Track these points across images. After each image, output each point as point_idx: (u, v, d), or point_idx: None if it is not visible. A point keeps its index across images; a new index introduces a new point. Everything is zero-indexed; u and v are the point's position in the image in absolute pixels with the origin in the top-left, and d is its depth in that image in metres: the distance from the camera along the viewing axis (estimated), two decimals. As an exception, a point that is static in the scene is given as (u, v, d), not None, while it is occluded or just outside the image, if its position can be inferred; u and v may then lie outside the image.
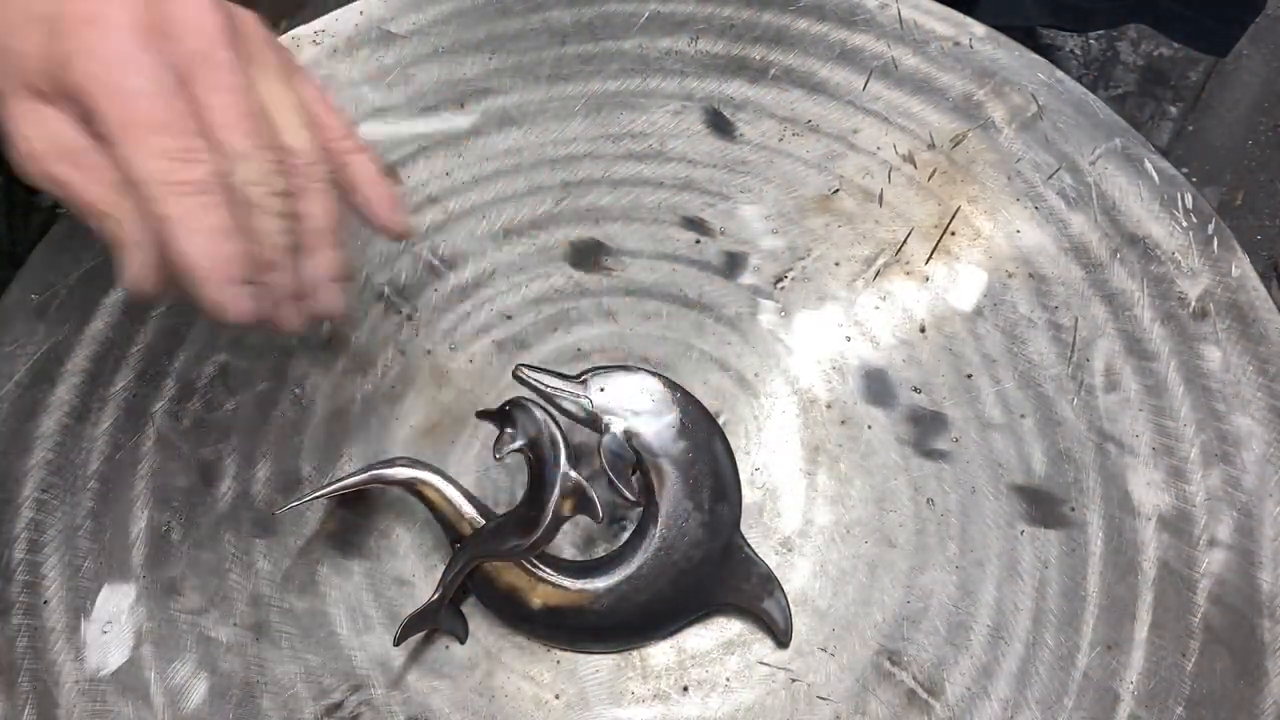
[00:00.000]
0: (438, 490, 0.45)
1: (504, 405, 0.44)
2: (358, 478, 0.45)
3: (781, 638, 0.44)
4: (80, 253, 0.53)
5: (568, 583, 0.43)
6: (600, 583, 0.43)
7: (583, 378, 0.45)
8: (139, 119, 0.32)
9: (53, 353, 0.51)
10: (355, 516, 0.47)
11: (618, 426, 0.44)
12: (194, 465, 0.48)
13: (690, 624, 0.45)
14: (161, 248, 0.33)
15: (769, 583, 0.44)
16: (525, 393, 0.45)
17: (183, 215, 0.32)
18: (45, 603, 0.46)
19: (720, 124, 0.57)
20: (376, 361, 0.51)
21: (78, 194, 0.34)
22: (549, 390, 0.44)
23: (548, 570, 0.43)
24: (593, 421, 0.44)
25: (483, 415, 0.45)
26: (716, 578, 0.44)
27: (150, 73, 0.32)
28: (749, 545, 0.45)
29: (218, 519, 0.47)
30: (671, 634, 0.45)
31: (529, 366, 0.45)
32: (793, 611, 0.45)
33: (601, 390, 0.44)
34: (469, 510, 0.45)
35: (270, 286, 0.35)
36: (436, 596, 0.43)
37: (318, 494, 0.45)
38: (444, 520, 0.45)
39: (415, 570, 0.46)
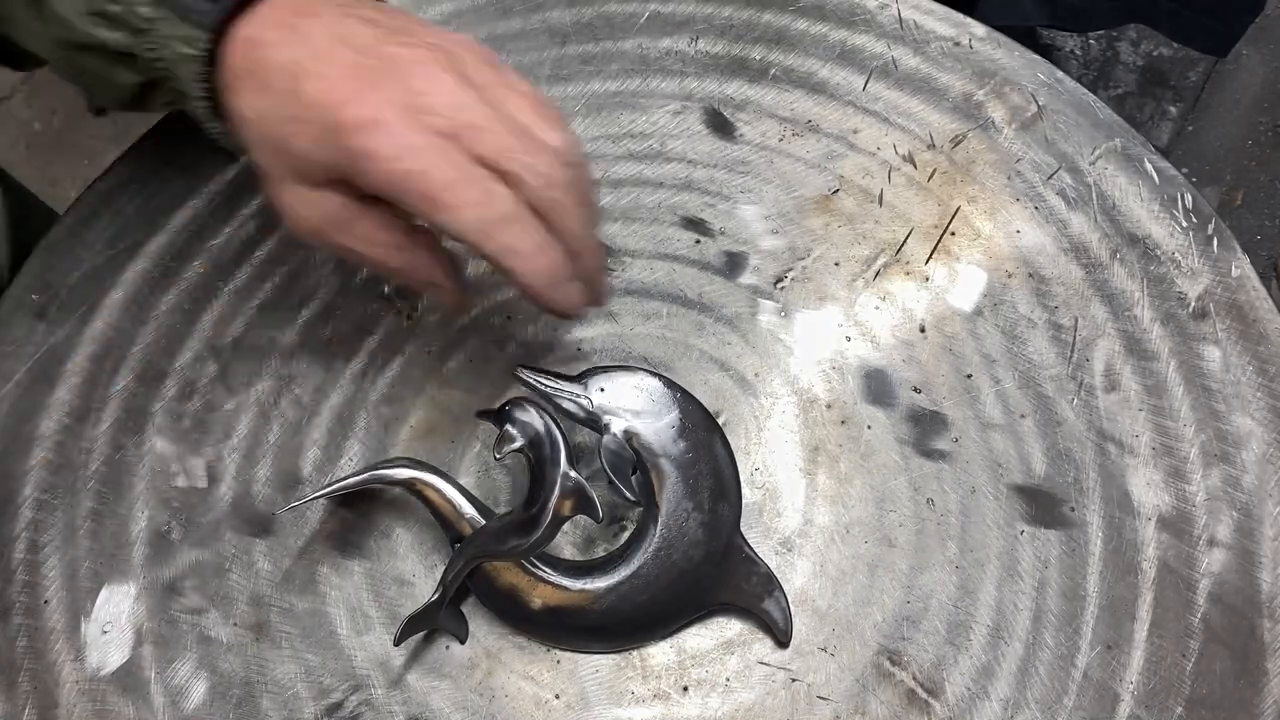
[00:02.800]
0: (437, 490, 0.45)
1: (503, 405, 0.44)
2: (358, 478, 0.45)
3: (781, 638, 0.44)
4: (80, 253, 0.53)
5: (568, 583, 0.43)
6: (600, 583, 0.43)
7: (582, 378, 0.45)
8: (442, 193, 0.37)
9: (53, 353, 0.51)
10: (355, 516, 0.47)
11: (617, 426, 0.44)
12: (194, 465, 0.48)
13: (690, 624, 0.45)
14: (506, 271, 0.39)
15: (769, 583, 0.44)
16: (525, 393, 0.45)
17: (506, 248, 0.38)
18: (45, 603, 0.46)
19: (720, 124, 0.57)
20: (376, 361, 0.51)
21: (362, 256, 0.41)
22: (549, 390, 0.44)
23: (548, 570, 0.43)
24: (593, 421, 0.44)
25: (482, 415, 0.45)
26: (717, 578, 0.44)
27: (431, 153, 0.37)
28: (749, 545, 0.45)
29: (218, 519, 0.47)
30: (671, 634, 0.45)
31: (528, 367, 0.45)
32: (793, 612, 0.45)
33: (601, 390, 0.44)
34: (469, 510, 0.45)
35: (590, 271, 0.41)
36: (436, 596, 0.43)
37: (318, 494, 0.45)
38: (444, 520, 0.45)
39: (415, 570, 0.46)
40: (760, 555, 0.45)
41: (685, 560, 0.43)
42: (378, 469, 0.45)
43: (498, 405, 0.44)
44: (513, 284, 0.40)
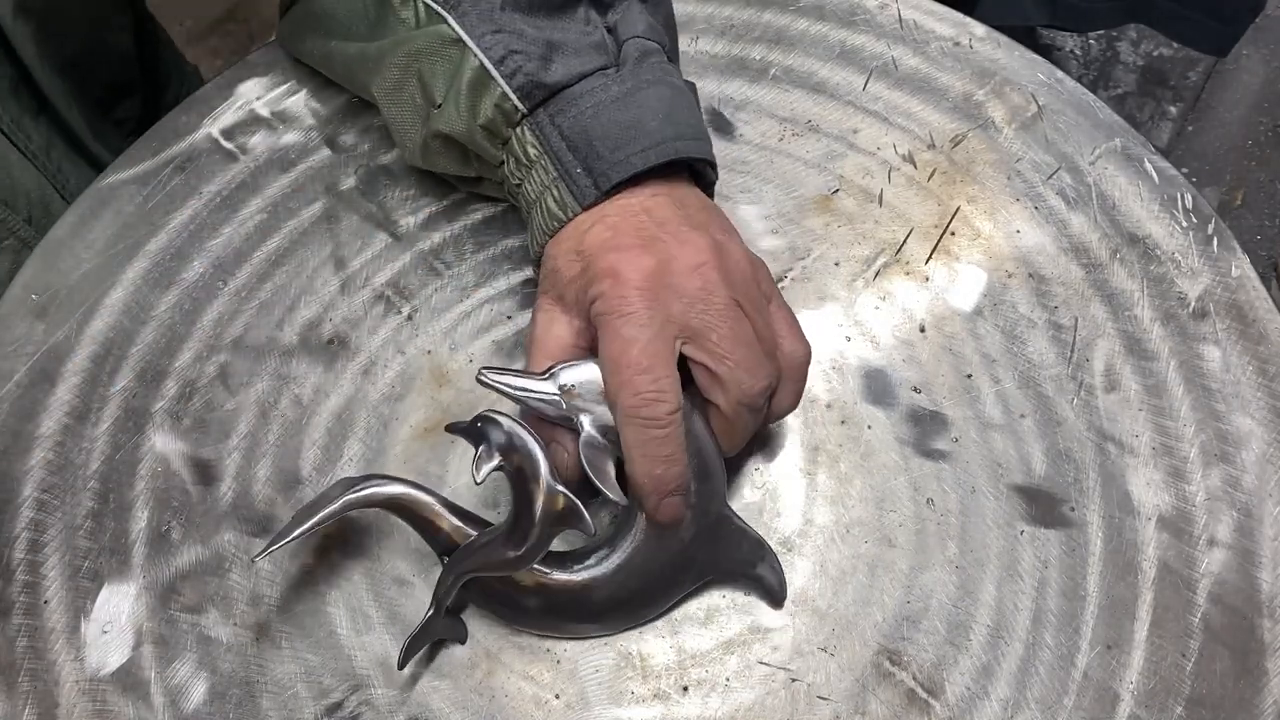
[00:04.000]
0: (418, 504, 0.43)
1: (474, 420, 0.42)
2: (331, 508, 0.42)
3: (776, 600, 0.44)
4: (80, 253, 0.53)
5: (562, 576, 0.43)
6: (594, 572, 0.43)
7: (550, 373, 0.43)
8: (629, 361, 0.40)
9: (53, 353, 0.51)
10: (355, 516, 0.47)
11: (590, 424, 0.42)
12: (194, 465, 0.48)
13: (687, 598, 0.45)
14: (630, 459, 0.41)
15: (760, 548, 0.44)
16: (495, 399, 0.44)
17: (641, 443, 0.40)
18: (45, 603, 0.46)
19: (720, 124, 0.57)
20: (376, 361, 0.51)
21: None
22: (516, 394, 0.42)
23: (540, 567, 0.43)
24: (566, 420, 0.43)
25: (452, 429, 0.42)
26: (710, 552, 0.44)
27: (645, 322, 0.41)
28: (738, 516, 0.45)
29: (218, 519, 0.47)
30: (669, 611, 0.45)
31: (492, 369, 0.42)
32: (793, 611, 0.45)
33: (569, 387, 0.42)
34: (453, 521, 0.43)
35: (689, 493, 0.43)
36: (431, 613, 0.42)
37: (293, 536, 0.42)
38: (428, 533, 0.44)
39: (415, 570, 0.46)
40: (748, 523, 0.45)
41: (677, 542, 0.43)
42: (351, 493, 0.43)
43: (469, 420, 0.42)
44: (626, 466, 0.42)
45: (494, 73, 0.45)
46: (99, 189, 0.55)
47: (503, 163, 0.48)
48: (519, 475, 0.41)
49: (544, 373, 0.43)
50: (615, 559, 0.43)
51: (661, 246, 0.42)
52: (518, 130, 0.46)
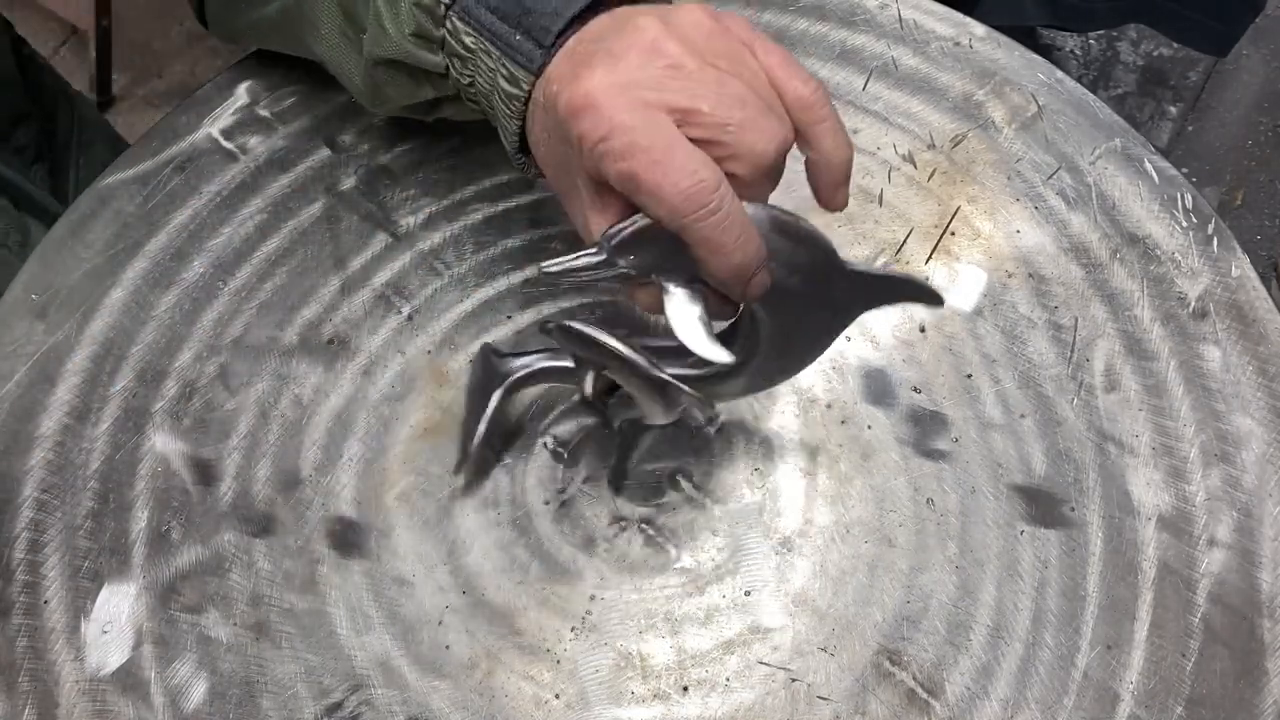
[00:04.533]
0: (562, 373, 0.45)
1: (543, 331, 0.40)
2: (496, 396, 0.44)
3: (934, 299, 0.42)
4: (80, 253, 0.53)
5: (712, 388, 0.43)
6: (733, 376, 0.42)
7: (605, 243, 0.39)
8: (647, 171, 0.36)
9: (53, 353, 0.51)
10: (355, 516, 0.47)
11: (678, 283, 0.39)
12: (194, 465, 0.48)
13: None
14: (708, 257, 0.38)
15: (887, 280, 0.43)
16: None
17: (708, 239, 0.37)
18: (45, 603, 0.46)
19: (720, 124, 0.57)
20: (376, 361, 0.51)
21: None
22: (573, 274, 0.39)
23: (681, 385, 0.41)
24: (642, 278, 0.40)
25: (544, 330, 0.40)
26: (844, 310, 0.42)
27: (633, 126, 0.37)
28: (854, 265, 0.41)
29: (218, 519, 0.47)
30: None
31: (551, 261, 0.39)
32: (793, 611, 0.45)
33: (632, 257, 0.39)
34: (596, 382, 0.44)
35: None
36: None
37: (481, 432, 0.45)
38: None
39: (415, 570, 0.46)
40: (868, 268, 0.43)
41: (805, 329, 0.42)
42: (543, 359, 0.45)
43: (545, 327, 0.40)
44: (706, 272, 0.38)
45: None
46: (99, 189, 0.55)
47: (448, 68, 0.44)
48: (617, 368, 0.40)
49: (595, 250, 0.39)
50: (747, 358, 0.41)
51: (606, 54, 0.38)
52: (448, 24, 0.43)
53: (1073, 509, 0.47)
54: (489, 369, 0.47)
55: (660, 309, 0.40)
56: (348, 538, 0.47)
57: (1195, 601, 0.45)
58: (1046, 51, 1.43)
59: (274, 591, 0.46)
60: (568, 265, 0.39)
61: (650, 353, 0.41)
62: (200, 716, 0.43)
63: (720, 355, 0.39)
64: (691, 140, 0.37)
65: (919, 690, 0.44)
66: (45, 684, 0.44)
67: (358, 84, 0.49)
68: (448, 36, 0.43)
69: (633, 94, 0.37)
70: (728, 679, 0.44)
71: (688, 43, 0.38)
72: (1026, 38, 1.26)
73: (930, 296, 0.42)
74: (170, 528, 0.47)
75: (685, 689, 0.44)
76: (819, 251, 0.40)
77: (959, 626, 0.45)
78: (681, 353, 0.40)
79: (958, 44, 0.59)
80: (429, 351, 0.51)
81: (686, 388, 0.41)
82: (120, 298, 0.52)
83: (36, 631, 0.45)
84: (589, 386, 0.44)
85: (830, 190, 0.41)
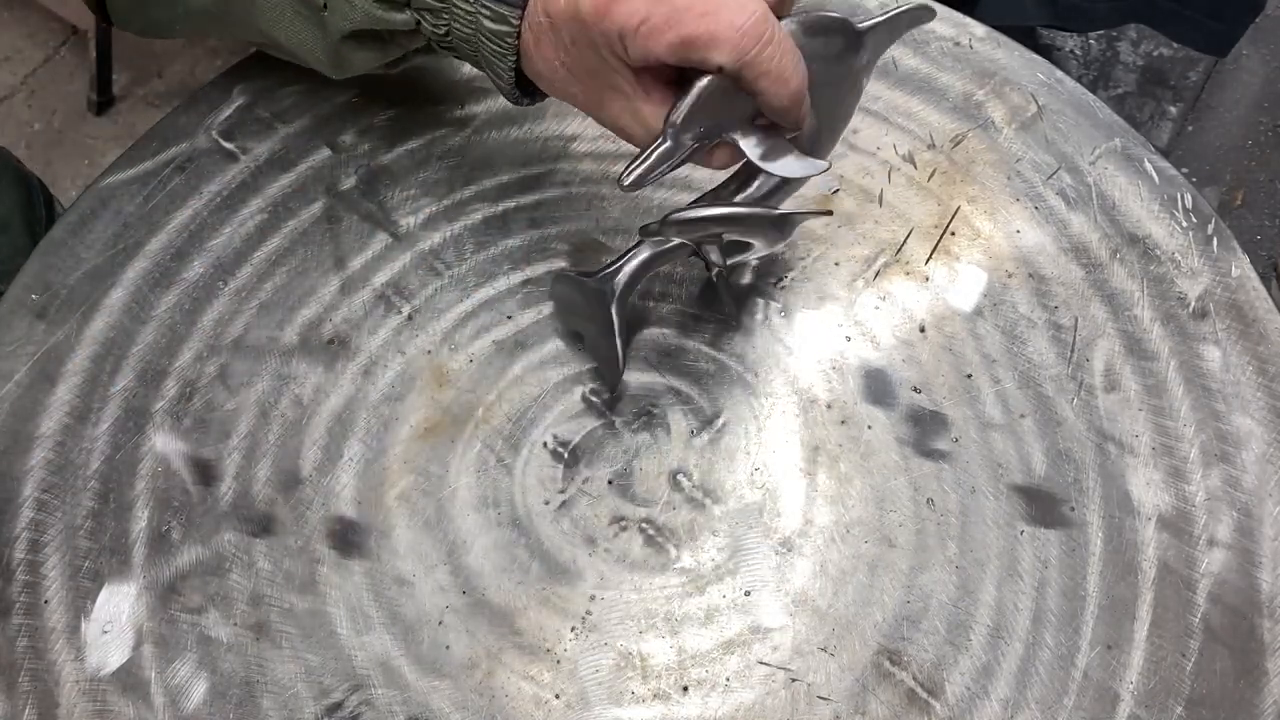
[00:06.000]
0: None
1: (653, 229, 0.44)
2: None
3: (928, 12, 0.46)
4: (80, 253, 0.53)
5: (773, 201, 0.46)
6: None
7: (670, 128, 0.41)
8: (697, 28, 0.38)
9: (53, 353, 0.51)
10: (355, 516, 0.47)
11: (746, 131, 0.42)
12: (194, 465, 0.48)
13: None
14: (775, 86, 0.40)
15: (888, 22, 0.45)
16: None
17: (774, 69, 0.39)
18: (45, 603, 0.46)
19: (720, 124, 0.57)
20: (376, 361, 0.51)
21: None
22: (658, 170, 0.41)
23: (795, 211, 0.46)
24: (713, 144, 0.43)
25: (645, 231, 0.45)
26: (862, 68, 0.46)
27: None
28: (861, 23, 0.44)
29: (218, 519, 0.47)
30: None
31: (626, 172, 0.41)
32: (793, 611, 0.45)
33: (700, 128, 0.41)
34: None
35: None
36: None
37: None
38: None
39: (415, 570, 0.46)
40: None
41: (838, 106, 0.46)
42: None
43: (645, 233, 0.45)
44: (766, 106, 0.40)
45: None
46: (99, 189, 0.55)
47: (418, 23, 0.44)
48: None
49: (660, 136, 0.41)
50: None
51: None
52: None
53: (1073, 509, 0.47)
54: (586, 291, 0.48)
55: (735, 161, 0.43)
56: (348, 538, 0.47)
57: (1195, 601, 0.45)
58: (1046, 51, 1.43)
59: (274, 591, 0.46)
60: (645, 165, 0.41)
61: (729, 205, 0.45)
62: (200, 716, 0.43)
63: (818, 165, 0.43)
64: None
65: (919, 690, 0.44)
66: (45, 684, 0.44)
67: (319, 58, 0.48)
68: None
69: None
70: (728, 679, 0.44)
71: None
72: (1026, 38, 1.26)
73: (923, 14, 0.46)
74: (170, 528, 0.47)
75: (685, 689, 0.44)
76: (839, 34, 0.44)
77: (959, 626, 0.45)
78: (745, 192, 0.46)
79: (958, 44, 0.59)
80: (429, 351, 0.51)
81: (800, 211, 0.46)
82: (120, 298, 0.52)
83: (37, 631, 0.45)
84: (714, 255, 0.47)
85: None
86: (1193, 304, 0.51)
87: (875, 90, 0.57)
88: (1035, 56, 0.58)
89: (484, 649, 0.45)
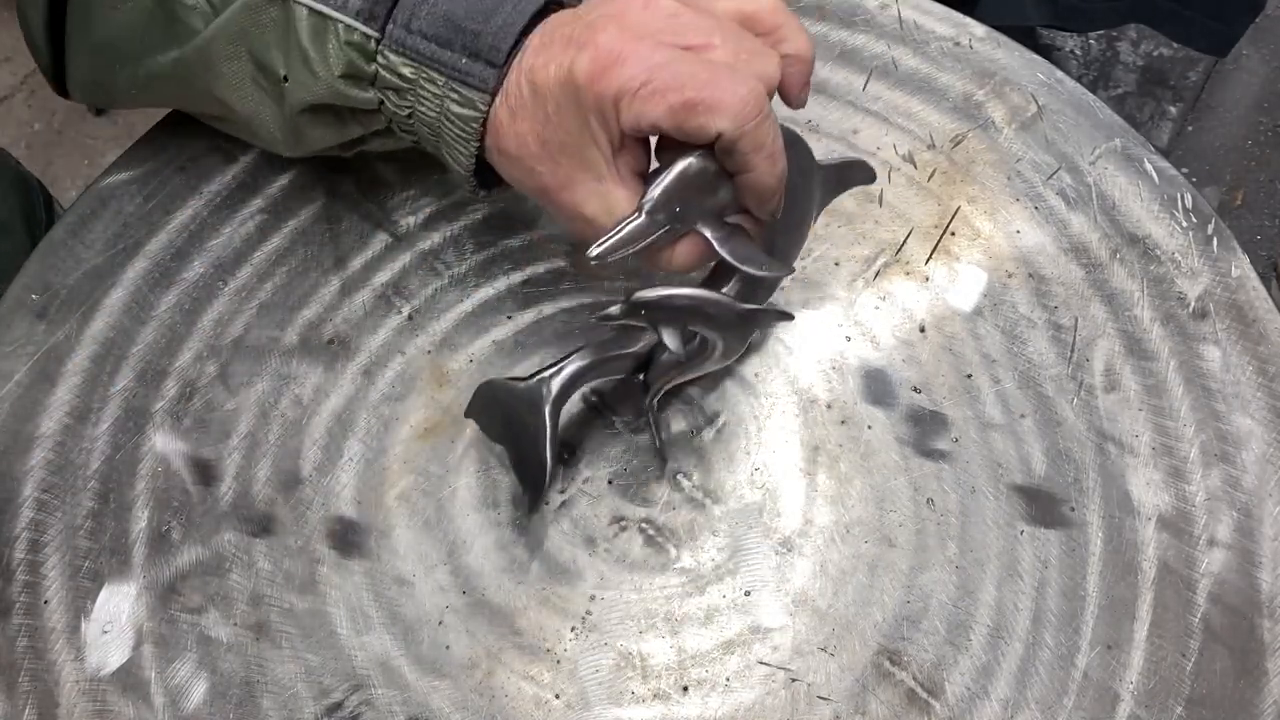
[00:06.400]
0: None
1: (626, 311, 0.40)
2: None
3: (870, 176, 0.48)
4: (80, 253, 0.53)
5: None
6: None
7: (648, 203, 0.40)
8: (702, 94, 0.38)
9: (53, 353, 0.51)
10: (355, 516, 0.47)
11: (716, 225, 0.42)
12: (194, 465, 0.48)
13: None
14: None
15: (840, 167, 0.46)
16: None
17: (763, 145, 0.39)
18: (45, 603, 0.46)
19: (720, 124, 0.57)
20: (376, 361, 0.51)
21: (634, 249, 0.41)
22: (630, 247, 0.40)
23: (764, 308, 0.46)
24: (684, 231, 0.42)
25: (605, 319, 0.41)
26: (816, 203, 0.46)
27: (680, 63, 0.38)
28: (822, 161, 0.45)
29: (218, 519, 0.47)
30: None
31: (597, 245, 0.40)
32: (793, 611, 0.45)
33: (662, 200, 0.40)
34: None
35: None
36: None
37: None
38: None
39: (415, 570, 0.46)
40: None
41: (797, 228, 0.46)
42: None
43: (621, 313, 0.40)
44: (749, 187, 0.40)
45: (325, 10, 0.42)
46: (99, 189, 0.55)
47: (381, 103, 0.43)
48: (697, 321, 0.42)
49: (634, 212, 0.41)
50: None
51: (606, 19, 0.39)
52: (380, 59, 0.42)
53: (1073, 509, 0.47)
54: (517, 395, 0.44)
55: (699, 261, 0.42)
56: (348, 538, 0.47)
57: (1195, 601, 0.45)
58: (1046, 51, 1.43)
59: (274, 591, 0.46)
60: (617, 238, 0.40)
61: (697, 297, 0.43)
62: (200, 716, 0.43)
63: (786, 267, 0.43)
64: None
65: (919, 690, 0.44)
66: (45, 684, 0.44)
67: (274, 133, 0.47)
68: (381, 71, 0.42)
69: (652, 39, 0.38)
70: (728, 679, 0.44)
71: None
72: (1026, 38, 1.26)
73: (868, 175, 0.47)
74: (170, 528, 0.47)
75: (685, 689, 0.44)
76: (804, 153, 0.44)
77: (959, 626, 0.45)
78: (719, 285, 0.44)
79: (958, 44, 0.59)
80: (429, 351, 0.51)
81: (768, 308, 0.45)
82: (120, 298, 0.52)
83: (36, 631, 0.45)
84: (673, 342, 0.42)
85: (798, 89, 0.42)
86: (1193, 304, 0.51)
87: (875, 90, 0.57)
88: (1035, 56, 0.58)
89: (484, 649, 0.45)
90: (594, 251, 0.40)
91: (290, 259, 0.53)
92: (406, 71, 0.42)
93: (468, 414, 0.47)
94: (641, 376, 0.46)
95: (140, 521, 0.47)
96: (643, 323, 0.41)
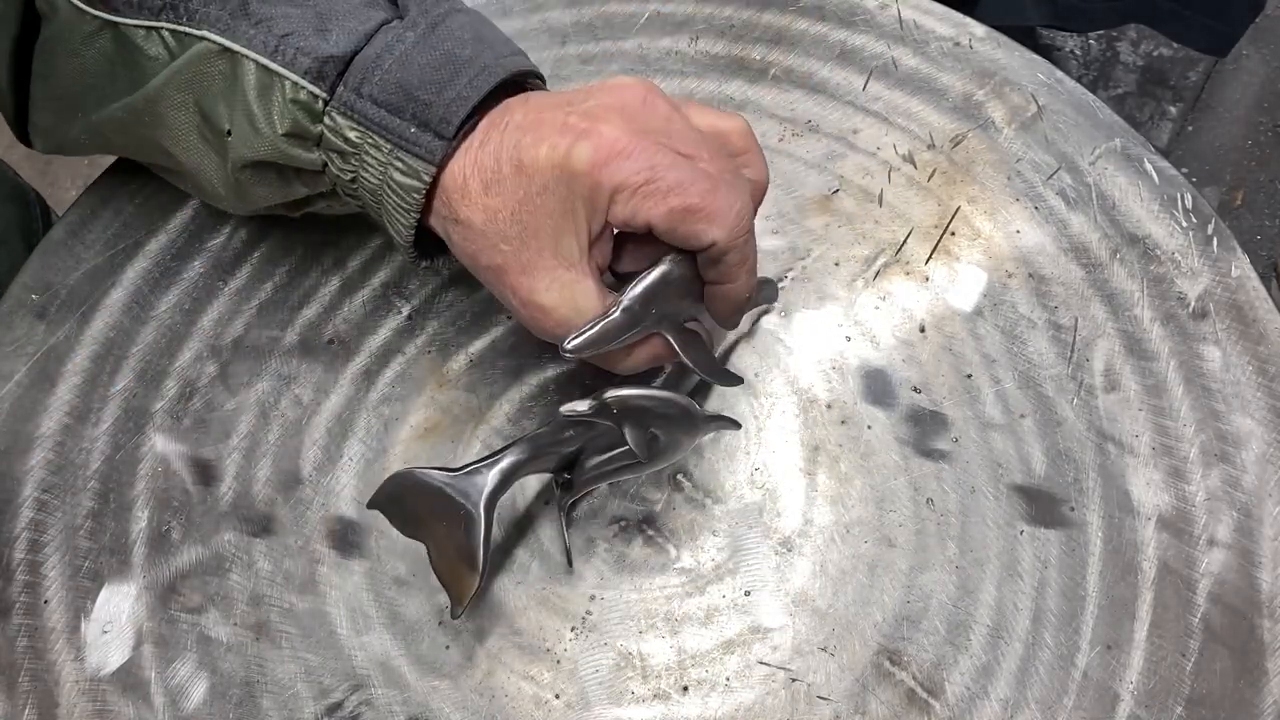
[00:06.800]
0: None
1: (595, 411, 0.40)
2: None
3: (775, 296, 0.50)
4: (80, 253, 0.53)
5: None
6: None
7: (618, 302, 0.41)
8: (701, 203, 0.39)
9: (53, 353, 0.51)
10: (355, 516, 0.47)
11: (678, 329, 0.43)
12: (194, 465, 0.48)
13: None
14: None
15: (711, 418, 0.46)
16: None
17: (742, 261, 0.41)
18: (45, 603, 0.46)
19: (720, 124, 0.57)
20: (376, 361, 0.51)
21: (600, 348, 0.41)
22: (607, 344, 0.40)
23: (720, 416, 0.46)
24: (655, 330, 0.42)
25: (571, 413, 0.40)
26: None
27: (681, 168, 0.39)
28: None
29: (218, 519, 0.47)
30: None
31: (573, 339, 0.40)
32: (793, 611, 0.45)
33: (653, 310, 0.41)
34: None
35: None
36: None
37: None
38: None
39: (415, 570, 0.46)
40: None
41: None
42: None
43: (590, 412, 0.40)
44: (724, 296, 0.42)
45: (274, 66, 0.41)
46: (99, 189, 0.55)
47: (325, 165, 0.42)
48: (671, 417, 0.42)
49: (611, 306, 0.40)
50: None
51: (606, 109, 0.39)
52: (326, 120, 0.41)
53: (1073, 509, 0.47)
54: (448, 490, 0.41)
55: (653, 364, 0.43)
56: (348, 538, 0.47)
57: (1195, 601, 0.45)
58: (1046, 51, 1.43)
59: (274, 591, 0.46)
60: (595, 335, 0.40)
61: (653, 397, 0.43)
62: (200, 716, 0.43)
63: (737, 379, 0.46)
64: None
65: (919, 690, 0.44)
66: (45, 684, 0.44)
67: (217, 188, 0.46)
68: (326, 132, 0.41)
69: (654, 139, 0.39)
70: (728, 679, 0.44)
71: (670, 100, 0.41)
72: (1026, 38, 1.26)
73: (771, 293, 0.50)
74: (170, 528, 0.47)
75: (685, 689, 0.44)
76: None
77: (959, 626, 0.45)
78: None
79: (958, 44, 0.59)
80: (429, 351, 0.51)
81: (723, 415, 0.46)
82: (120, 298, 0.52)
83: (36, 631, 0.45)
84: (637, 442, 0.42)
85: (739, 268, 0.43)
86: (1193, 304, 0.51)
87: (875, 90, 0.57)
88: (1035, 56, 0.58)
89: (484, 649, 0.45)
90: (572, 344, 0.40)
91: (290, 259, 0.53)
92: (352, 135, 0.41)
93: (372, 505, 0.42)
94: (566, 476, 0.45)
95: (140, 521, 0.47)
96: (609, 421, 0.40)
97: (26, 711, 0.44)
